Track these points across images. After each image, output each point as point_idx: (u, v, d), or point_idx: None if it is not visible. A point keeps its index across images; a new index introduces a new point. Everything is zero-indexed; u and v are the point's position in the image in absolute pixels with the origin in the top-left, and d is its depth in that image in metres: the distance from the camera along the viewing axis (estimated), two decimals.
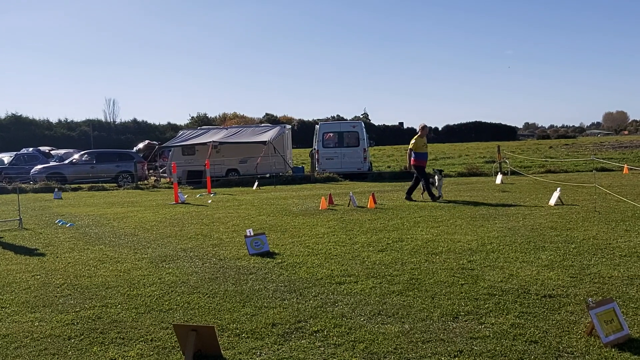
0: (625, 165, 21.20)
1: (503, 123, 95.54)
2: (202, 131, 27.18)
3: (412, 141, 14.21)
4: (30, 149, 33.57)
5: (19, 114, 72.08)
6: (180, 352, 4.39)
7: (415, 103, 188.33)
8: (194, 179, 24.35)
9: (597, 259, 6.97)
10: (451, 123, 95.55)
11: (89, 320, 5.33)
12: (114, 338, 4.81)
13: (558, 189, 12.58)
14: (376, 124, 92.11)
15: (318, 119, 73.36)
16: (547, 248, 7.69)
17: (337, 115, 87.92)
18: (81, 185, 24.49)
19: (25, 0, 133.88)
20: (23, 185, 23.91)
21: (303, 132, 69.75)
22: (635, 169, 20.39)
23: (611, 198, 12.58)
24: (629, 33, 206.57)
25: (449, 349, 4.27)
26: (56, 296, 6.24)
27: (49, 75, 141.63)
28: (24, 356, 4.49)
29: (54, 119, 77.21)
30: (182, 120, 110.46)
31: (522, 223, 9.85)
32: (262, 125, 32.78)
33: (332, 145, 24.44)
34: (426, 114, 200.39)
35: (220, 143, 24.72)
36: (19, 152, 32.02)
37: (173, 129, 75.43)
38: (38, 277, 7.20)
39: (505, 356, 4.12)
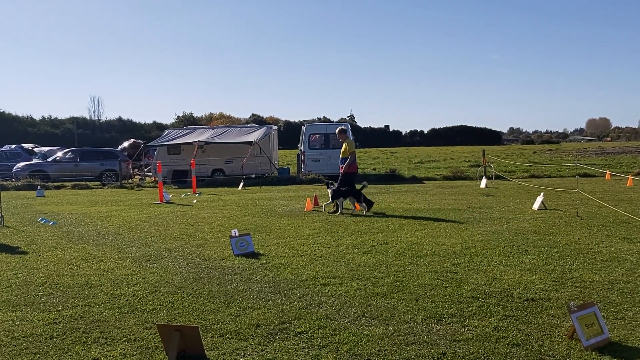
0: (608, 172, 21.48)
1: (488, 127, 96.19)
2: (188, 131, 27.06)
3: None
4: (13, 146, 33.10)
5: (1, 110, 71.05)
6: (164, 352, 4.37)
7: (401, 106, 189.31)
8: (179, 178, 24.23)
9: (578, 263, 7.06)
10: (437, 126, 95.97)
11: (72, 319, 5.28)
12: (96, 338, 4.78)
13: (541, 193, 12.72)
14: (362, 126, 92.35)
15: (304, 120, 73.42)
16: (530, 252, 7.77)
17: (324, 117, 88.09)
18: (64, 184, 24.25)
19: None
20: (5, 183, 23.64)
21: (289, 133, 69.69)
22: (617, 175, 20.67)
23: (593, 203, 12.74)
24: (613, 42, 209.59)
25: (432, 351, 4.30)
26: (38, 295, 6.17)
27: (32, 71, 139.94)
28: (5, 355, 4.44)
29: (37, 116, 76.25)
30: (168, 119, 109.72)
31: (505, 227, 9.94)
32: (249, 125, 32.71)
33: (318, 147, 24.47)
34: (412, 117, 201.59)
35: (206, 143, 24.63)
36: (1, 149, 31.61)
37: (159, 128, 74.91)
38: (20, 275, 7.12)
39: (487, 359, 4.16)
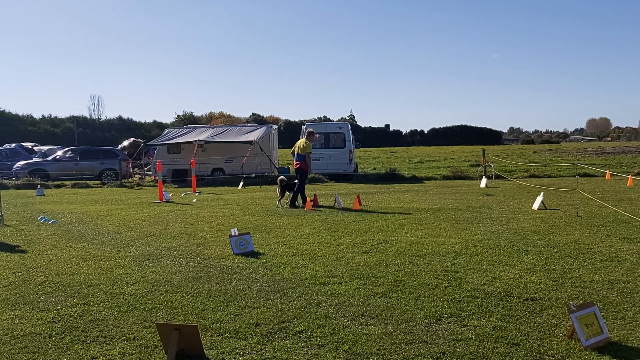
0: (608, 171, 21.48)
1: (488, 127, 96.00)
2: (188, 130, 27.04)
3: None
4: (13, 145, 33.11)
5: (1, 109, 70.98)
6: (163, 351, 4.36)
7: (402, 106, 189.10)
8: (179, 177, 24.23)
9: (578, 263, 7.06)
10: (437, 126, 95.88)
11: (71, 318, 5.28)
12: (95, 336, 4.77)
13: (541, 193, 12.72)
14: (362, 125, 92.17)
15: (304, 120, 73.36)
16: (530, 252, 7.76)
17: (324, 116, 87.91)
18: (64, 182, 24.25)
19: None
20: (5, 181, 23.63)
21: (289, 132, 69.55)
22: (617, 175, 20.67)
23: (593, 203, 12.74)
24: (613, 42, 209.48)
25: (431, 350, 4.30)
26: (37, 294, 6.17)
27: (33, 71, 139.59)
28: (4, 354, 4.43)
29: (37, 115, 76.10)
30: (168, 118, 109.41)
31: (505, 227, 9.94)
32: (249, 125, 32.68)
33: (318, 146, 24.43)
34: (412, 117, 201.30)
35: (206, 142, 24.62)
36: (1, 148, 31.61)
37: (159, 127, 74.83)
38: (19, 274, 7.12)
39: (487, 358, 4.16)
